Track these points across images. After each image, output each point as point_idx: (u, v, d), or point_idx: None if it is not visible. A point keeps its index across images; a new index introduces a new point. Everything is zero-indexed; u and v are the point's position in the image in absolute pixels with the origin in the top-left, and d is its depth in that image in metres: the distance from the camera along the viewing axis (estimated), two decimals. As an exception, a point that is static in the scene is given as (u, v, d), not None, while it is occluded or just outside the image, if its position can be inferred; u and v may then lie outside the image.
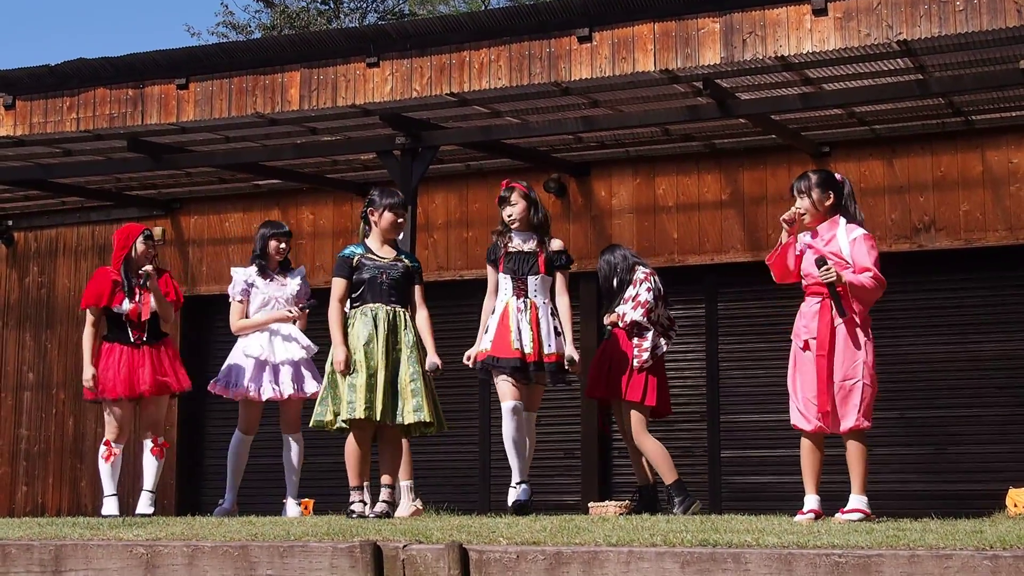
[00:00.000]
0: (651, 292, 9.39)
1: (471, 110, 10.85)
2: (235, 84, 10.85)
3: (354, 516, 8.11)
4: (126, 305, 9.68)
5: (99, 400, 9.80)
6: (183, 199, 13.80)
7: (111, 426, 9.77)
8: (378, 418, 8.08)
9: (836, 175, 7.76)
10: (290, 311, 9.74)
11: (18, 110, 11.55)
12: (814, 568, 5.24)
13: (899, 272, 10.33)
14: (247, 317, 9.80)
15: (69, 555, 6.64)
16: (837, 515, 7.37)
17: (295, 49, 10.67)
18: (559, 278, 9.05)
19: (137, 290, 9.74)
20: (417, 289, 8.47)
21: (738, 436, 11.80)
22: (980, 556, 5.09)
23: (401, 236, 8.70)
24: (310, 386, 9.63)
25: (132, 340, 9.70)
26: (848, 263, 7.45)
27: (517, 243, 9.06)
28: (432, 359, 8.43)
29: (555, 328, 8.96)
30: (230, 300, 9.89)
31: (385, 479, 8.30)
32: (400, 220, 8.46)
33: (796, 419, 7.53)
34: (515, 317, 8.92)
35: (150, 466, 9.80)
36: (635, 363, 9.27)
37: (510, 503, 8.82)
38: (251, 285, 9.81)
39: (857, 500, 7.38)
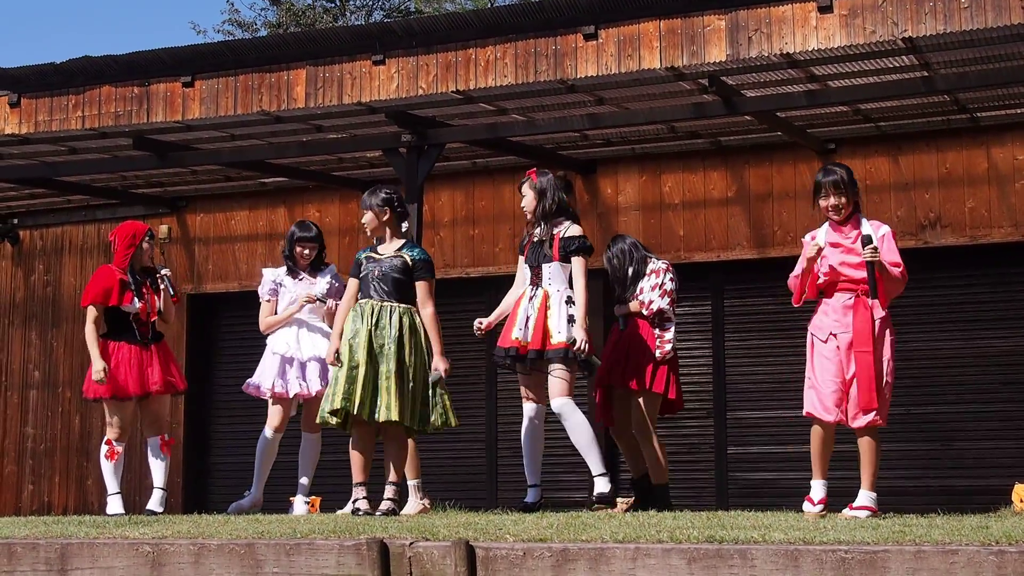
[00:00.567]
0: (675, 282, 9.31)
1: (477, 108, 10.84)
2: (241, 82, 10.84)
3: (360, 514, 8.10)
4: (136, 304, 9.70)
5: (100, 399, 9.77)
6: (189, 197, 13.81)
7: (115, 425, 9.76)
8: (355, 411, 8.09)
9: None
10: (308, 296, 9.71)
11: (23, 108, 11.54)
12: (820, 564, 5.25)
13: (904, 269, 10.29)
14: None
15: (75, 554, 6.65)
16: (845, 510, 7.37)
17: (301, 47, 10.67)
18: (575, 264, 8.85)
19: (144, 289, 9.77)
20: (419, 285, 8.41)
21: (744, 432, 11.80)
22: (986, 552, 5.10)
23: (406, 228, 8.67)
24: None
25: (140, 339, 9.73)
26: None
27: (537, 233, 9.02)
28: (435, 363, 8.30)
29: (570, 316, 8.80)
30: (260, 300, 9.95)
31: (390, 476, 8.31)
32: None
33: (814, 409, 7.48)
34: (524, 306, 8.90)
35: (160, 464, 9.81)
36: (658, 354, 9.11)
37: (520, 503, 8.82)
38: (279, 284, 9.84)
39: (866, 496, 7.37)
